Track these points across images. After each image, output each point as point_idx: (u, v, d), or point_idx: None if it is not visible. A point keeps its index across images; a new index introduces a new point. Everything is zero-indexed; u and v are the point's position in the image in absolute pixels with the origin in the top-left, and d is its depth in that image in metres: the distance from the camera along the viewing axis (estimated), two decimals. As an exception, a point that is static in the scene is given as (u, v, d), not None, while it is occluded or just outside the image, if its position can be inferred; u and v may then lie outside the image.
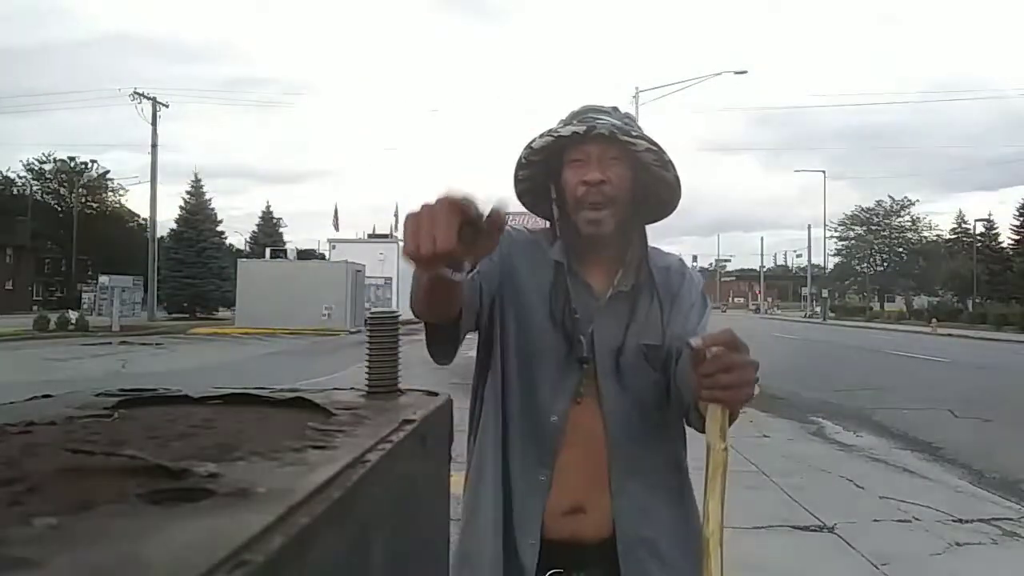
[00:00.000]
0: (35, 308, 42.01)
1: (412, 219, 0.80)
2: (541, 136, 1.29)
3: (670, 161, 1.27)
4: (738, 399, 1.04)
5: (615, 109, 1.35)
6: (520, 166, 1.32)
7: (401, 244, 0.89)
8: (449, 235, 0.76)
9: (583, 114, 1.31)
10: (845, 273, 59.61)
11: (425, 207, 0.80)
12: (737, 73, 27.13)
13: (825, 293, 52.21)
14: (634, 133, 1.25)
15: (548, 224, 1.36)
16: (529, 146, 1.30)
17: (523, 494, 1.24)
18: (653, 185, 1.30)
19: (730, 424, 1.09)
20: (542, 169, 1.32)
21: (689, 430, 1.31)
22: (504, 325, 1.29)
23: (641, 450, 1.28)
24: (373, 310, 0.58)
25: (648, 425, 1.28)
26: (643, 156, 1.26)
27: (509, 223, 1.32)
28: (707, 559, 0.98)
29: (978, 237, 49.71)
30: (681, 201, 1.34)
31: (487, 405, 1.29)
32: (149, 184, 33.56)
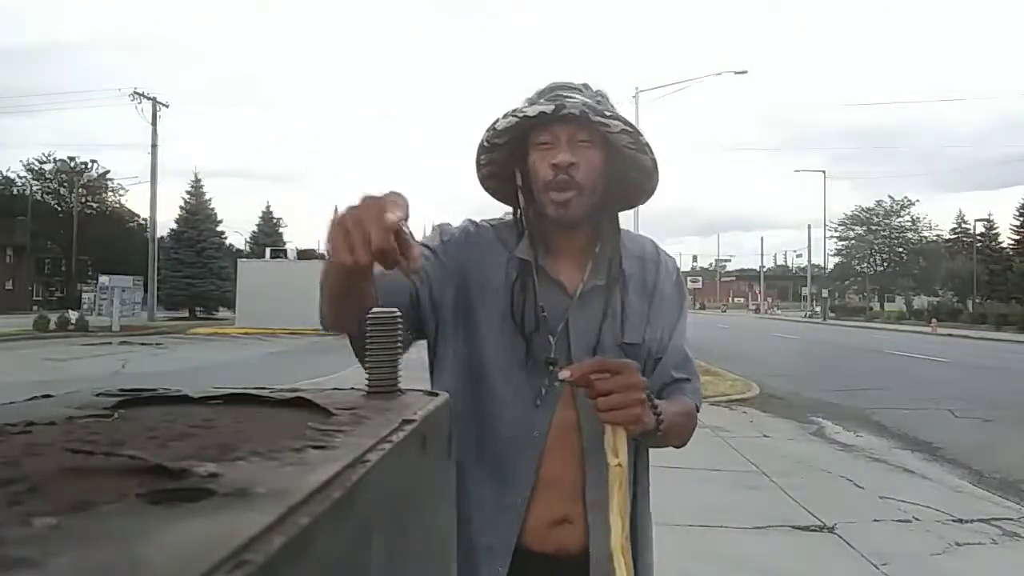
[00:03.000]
0: (35, 308, 42.00)
1: (338, 226, 0.77)
2: (505, 116, 1.16)
3: (647, 144, 1.16)
4: (620, 420, 1.04)
5: (586, 86, 1.23)
6: (482, 149, 1.20)
7: (326, 254, 0.84)
8: (384, 236, 0.73)
9: (551, 91, 1.19)
10: (845, 273, 59.58)
11: (349, 213, 0.78)
12: (737, 73, 27.15)
13: (825, 293, 52.16)
14: (607, 113, 1.14)
15: (513, 212, 1.25)
16: (492, 127, 1.17)
17: (496, 516, 1.14)
18: (627, 169, 1.19)
19: (650, 438, 1.12)
20: (507, 152, 1.20)
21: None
22: (462, 333, 1.18)
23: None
24: (373, 310, 0.58)
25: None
26: (617, 138, 1.15)
27: (479, 221, 1.27)
28: (616, 570, 1.04)
29: (978, 237, 49.69)
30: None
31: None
32: (149, 184, 33.57)
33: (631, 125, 1.15)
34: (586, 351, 1.17)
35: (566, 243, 1.21)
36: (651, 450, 1.27)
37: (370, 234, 0.75)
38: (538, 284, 1.18)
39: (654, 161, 1.18)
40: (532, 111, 1.13)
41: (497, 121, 1.16)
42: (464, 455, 1.11)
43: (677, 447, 1.26)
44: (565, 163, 1.13)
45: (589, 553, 1.15)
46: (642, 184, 1.22)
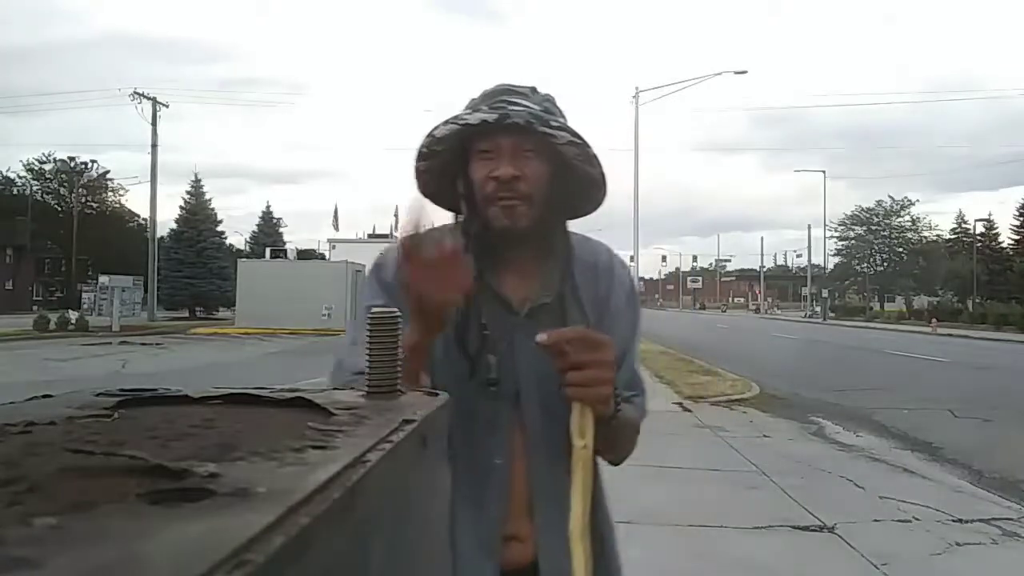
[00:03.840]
0: (35, 308, 42.00)
1: (426, 270, 0.79)
2: (445, 123, 1.09)
3: (595, 156, 1.10)
4: (590, 398, 1.00)
5: (533, 90, 1.15)
6: (420, 157, 1.13)
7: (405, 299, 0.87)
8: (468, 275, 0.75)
9: (495, 96, 1.11)
10: (845, 273, 59.54)
11: (433, 255, 0.80)
12: (737, 73, 27.12)
13: (825, 293, 52.19)
14: (554, 123, 1.07)
15: (455, 221, 1.17)
16: (431, 134, 1.10)
17: (474, 516, 1.09)
18: (575, 181, 1.12)
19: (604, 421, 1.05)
20: (447, 159, 1.12)
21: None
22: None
23: (565, 477, 1.08)
24: (373, 310, 0.58)
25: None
26: (564, 149, 1.08)
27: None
28: (573, 554, 1.00)
29: (978, 237, 49.68)
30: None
31: None
32: (149, 184, 33.57)
33: (579, 136, 1.08)
34: (533, 371, 1.10)
35: (513, 257, 1.13)
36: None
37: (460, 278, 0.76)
38: (483, 301, 1.10)
39: (603, 175, 1.12)
40: (474, 119, 1.06)
41: (436, 128, 1.10)
42: None
43: (613, 462, 1.18)
44: (507, 176, 1.06)
45: (538, 568, 1.10)
46: (591, 195, 1.16)
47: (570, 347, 0.98)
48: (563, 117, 1.15)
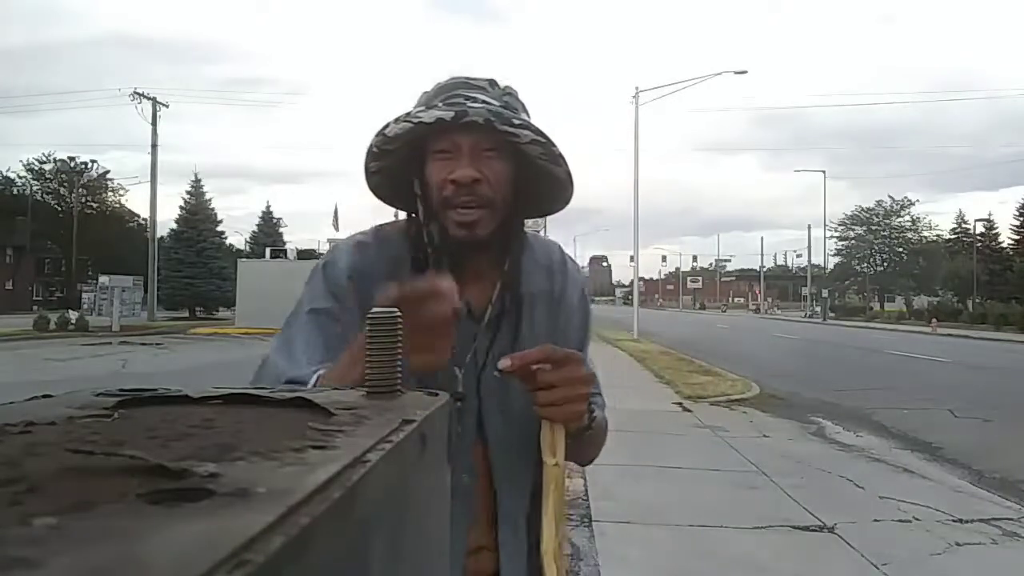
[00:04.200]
0: (35, 308, 42.00)
1: (420, 330, 0.75)
2: (398, 121, 1.01)
3: (561, 155, 1.04)
4: (562, 417, 0.97)
5: (492, 83, 1.08)
6: (372, 156, 1.06)
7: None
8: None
9: (451, 91, 1.04)
10: (845, 273, 59.59)
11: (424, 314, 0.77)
12: (737, 73, 27.13)
13: (825, 293, 52.19)
14: (516, 121, 1.00)
15: (409, 223, 1.11)
16: (382, 133, 1.03)
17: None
18: (538, 180, 1.06)
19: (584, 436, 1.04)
20: (400, 158, 1.05)
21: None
22: None
23: (525, 484, 1.09)
24: (373, 310, 0.58)
25: (532, 460, 1.06)
26: (527, 148, 1.02)
27: (364, 236, 1.11)
28: (546, 573, 0.98)
29: (978, 237, 49.69)
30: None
31: None
32: (149, 184, 33.59)
33: (543, 134, 1.02)
34: (495, 383, 1.04)
35: (471, 261, 1.06)
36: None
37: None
38: None
39: (568, 173, 1.07)
40: (429, 117, 0.99)
41: (388, 126, 1.02)
42: None
43: (582, 463, 1.17)
44: (467, 179, 1.00)
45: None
46: (556, 195, 1.11)
47: (537, 367, 0.94)
48: (526, 113, 1.09)
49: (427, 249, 1.05)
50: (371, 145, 1.05)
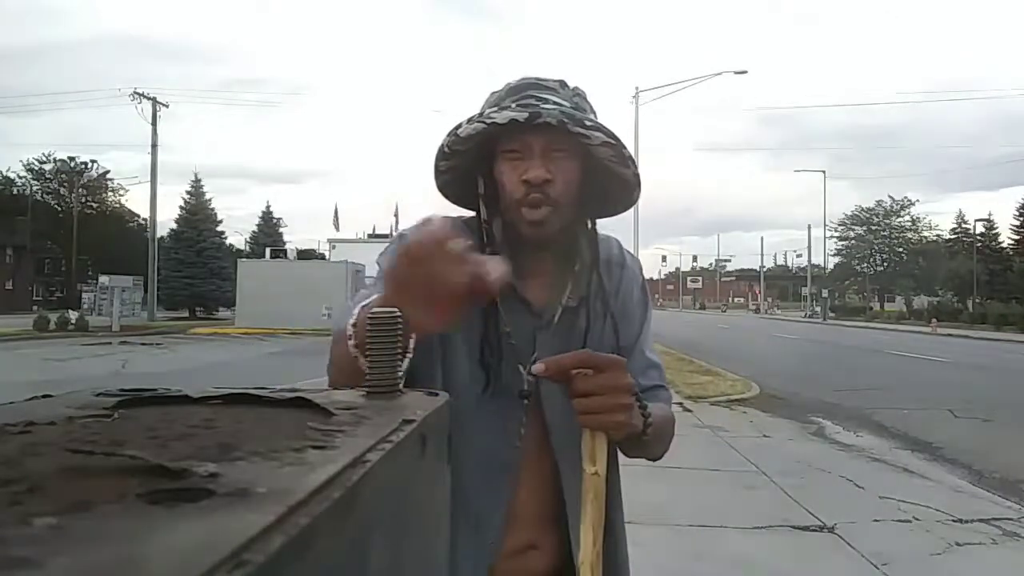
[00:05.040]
0: (35, 308, 41.99)
1: (409, 285, 0.72)
2: (471, 122, 1.02)
3: (630, 157, 1.05)
4: (602, 425, 0.95)
5: (563, 84, 1.08)
6: (442, 156, 1.07)
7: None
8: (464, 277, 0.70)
9: (523, 92, 1.05)
10: (845, 273, 59.61)
11: (411, 265, 0.73)
12: (737, 73, 27.14)
13: (825, 293, 52.18)
14: (588, 123, 1.01)
15: (477, 221, 1.11)
16: (454, 133, 1.04)
17: (469, 554, 1.04)
18: (607, 181, 1.08)
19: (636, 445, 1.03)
20: (470, 158, 1.07)
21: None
22: (439, 359, 1.05)
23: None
24: (373, 310, 0.58)
25: None
26: (597, 150, 1.03)
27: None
28: None
29: (978, 237, 49.67)
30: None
31: None
32: (149, 184, 33.57)
33: (614, 136, 1.03)
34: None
35: (538, 259, 1.08)
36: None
37: (457, 285, 0.70)
38: (505, 306, 1.05)
39: (637, 176, 1.08)
40: (502, 118, 1.00)
41: (460, 126, 1.03)
42: None
43: (653, 459, 1.16)
44: (539, 180, 1.01)
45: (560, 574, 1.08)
46: (622, 197, 1.12)
47: (577, 372, 0.92)
48: (594, 113, 1.10)
49: (486, 247, 1.05)
50: (442, 145, 1.06)
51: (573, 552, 1.03)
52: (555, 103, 1.02)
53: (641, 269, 1.25)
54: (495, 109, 1.03)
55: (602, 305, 1.12)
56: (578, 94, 1.09)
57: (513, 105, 1.02)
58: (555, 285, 1.10)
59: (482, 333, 1.05)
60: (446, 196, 1.14)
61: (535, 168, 1.01)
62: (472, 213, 1.13)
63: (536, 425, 1.08)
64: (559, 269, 1.10)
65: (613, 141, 1.03)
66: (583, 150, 1.03)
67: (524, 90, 1.05)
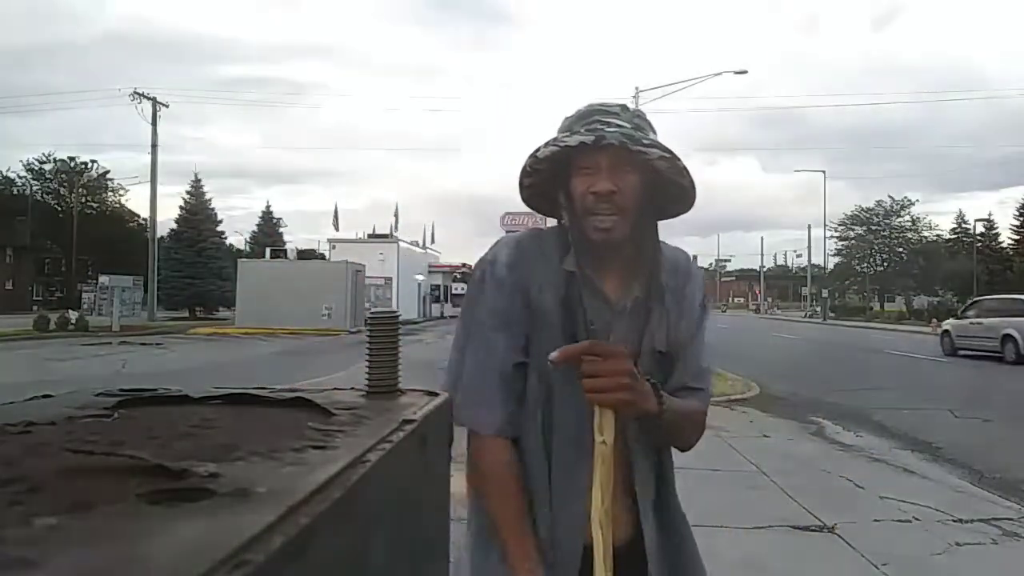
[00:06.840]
0: (35, 308, 42.01)
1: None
2: (546, 145, 1.24)
3: (684, 168, 1.23)
4: (605, 402, 1.13)
5: (624, 108, 1.29)
6: (525, 174, 1.29)
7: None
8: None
9: (589, 117, 1.25)
10: (845, 273, 59.51)
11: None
12: (737, 73, 27.10)
13: (825, 293, 52.18)
14: (646, 142, 1.20)
15: (559, 224, 1.34)
16: (534, 155, 1.26)
17: (565, 499, 1.23)
18: (666, 188, 1.26)
19: (632, 419, 1.22)
20: (549, 176, 1.28)
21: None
22: (533, 348, 1.26)
23: (656, 456, 1.32)
24: (373, 310, 0.58)
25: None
26: (656, 164, 1.21)
27: (518, 237, 1.34)
28: (595, 540, 1.12)
29: (978, 237, 49.68)
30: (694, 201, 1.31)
31: (527, 419, 1.25)
32: (149, 184, 33.56)
33: (669, 151, 1.21)
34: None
35: (610, 257, 1.28)
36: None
37: None
38: (586, 298, 1.26)
39: (692, 183, 1.25)
40: (573, 141, 1.20)
41: (539, 149, 1.24)
42: (538, 465, 1.23)
43: (681, 449, 1.36)
44: (606, 191, 1.20)
45: (633, 545, 1.25)
46: (681, 201, 1.30)
47: (584, 359, 1.10)
48: (653, 132, 1.28)
49: (571, 248, 1.27)
50: (525, 165, 1.28)
51: (644, 525, 1.27)
52: (617, 126, 1.21)
53: (704, 282, 1.44)
54: (567, 134, 1.24)
55: (664, 298, 1.30)
56: (638, 115, 1.29)
57: (582, 130, 1.22)
58: (627, 279, 1.30)
59: (576, 319, 1.24)
60: (531, 207, 1.36)
61: (602, 182, 1.21)
62: (554, 221, 1.36)
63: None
64: (630, 265, 1.30)
65: (668, 155, 1.21)
66: (643, 165, 1.21)
67: (590, 115, 1.25)
